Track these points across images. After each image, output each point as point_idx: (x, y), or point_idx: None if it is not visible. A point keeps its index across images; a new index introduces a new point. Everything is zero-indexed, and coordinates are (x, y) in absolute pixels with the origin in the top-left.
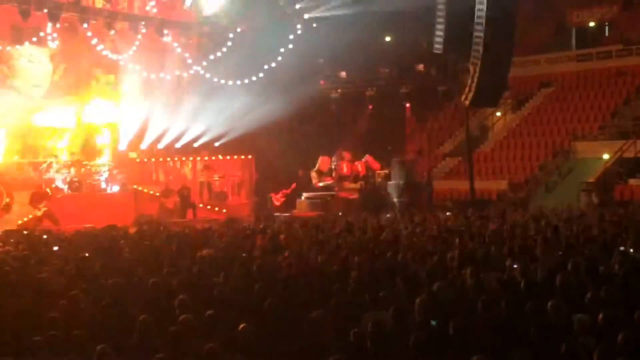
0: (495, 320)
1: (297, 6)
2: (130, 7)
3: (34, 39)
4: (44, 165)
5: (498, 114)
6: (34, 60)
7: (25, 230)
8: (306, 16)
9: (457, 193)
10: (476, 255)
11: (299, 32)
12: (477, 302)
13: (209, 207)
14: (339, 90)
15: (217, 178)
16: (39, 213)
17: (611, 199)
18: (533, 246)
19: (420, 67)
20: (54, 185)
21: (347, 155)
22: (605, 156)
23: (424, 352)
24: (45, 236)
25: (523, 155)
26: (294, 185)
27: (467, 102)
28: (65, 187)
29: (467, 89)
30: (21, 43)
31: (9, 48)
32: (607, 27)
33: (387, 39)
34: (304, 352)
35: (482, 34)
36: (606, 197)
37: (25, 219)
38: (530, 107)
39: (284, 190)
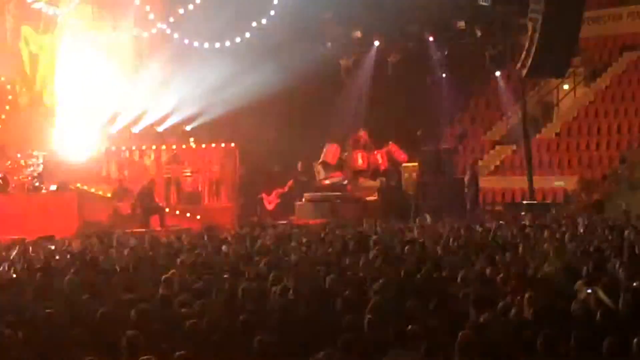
0: None
1: None
2: None
3: None
4: None
5: (565, 87)
6: None
7: None
8: None
9: (511, 193)
10: (536, 277)
11: None
12: (538, 339)
13: (178, 212)
14: (351, 56)
15: (188, 173)
16: None
17: None
18: (613, 266)
19: (462, 24)
20: None
21: (363, 138)
22: None
23: None
24: None
25: (599, 142)
26: (290, 183)
27: (523, 72)
28: None
29: (523, 54)
30: None
31: None
32: None
33: None
34: None
35: None
36: None
37: None
38: (609, 78)
39: (278, 190)
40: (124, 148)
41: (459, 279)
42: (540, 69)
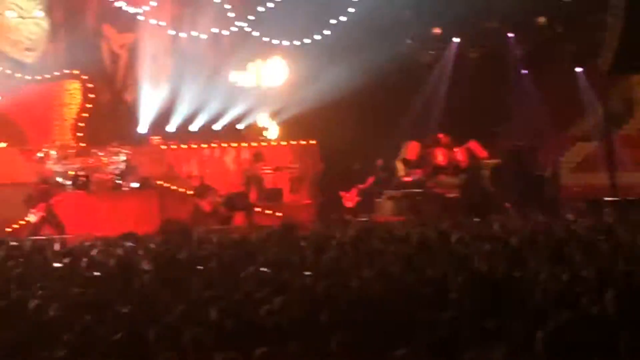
0: None
1: None
2: None
3: None
4: (40, 155)
5: None
6: (25, 14)
7: (16, 240)
8: None
9: (593, 190)
10: (620, 274)
11: None
12: (621, 340)
13: (259, 208)
14: (430, 52)
15: (269, 171)
16: (34, 218)
17: None
18: None
19: (541, 20)
20: (52, 181)
21: (444, 139)
22: None
23: None
24: (42, 249)
25: None
26: (371, 180)
27: (605, 68)
28: (68, 183)
29: (605, 50)
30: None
31: None
32: None
33: None
34: None
35: None
36: None
37: (17, 226)
38: None
39: (359, 186)
40: (204, 146)
41: (539, 277)
42: (622, 65)
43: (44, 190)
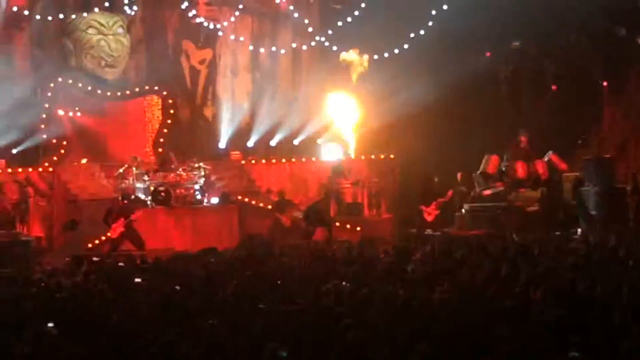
0: None
1: None
2: None
3: (106, 4)
4: (121, 171)
5: None
6: (106, 31)
7: (97, 256)
8: None
9: None
10: None
11: None
12: None
13: (338, 223)
14: (510, 66)
15: (348, 185)
16: (115, 234)
17: None
18: None
19: (623, 31)
20: (133, 197)
21: (523, 142)
22: None
23: None
24: (122, 264)
25: None
26: (450, 193)
27: None
28: (148, 199)
29: None
30: (89, 10)
31: (74, 16)
32: None
33: None
34: None
35: None
36: None
37: (97, 242)
38: None
39: (439, 200)
40: (284, 160)
41: (621, 290)
42: None
43: (124, 206)
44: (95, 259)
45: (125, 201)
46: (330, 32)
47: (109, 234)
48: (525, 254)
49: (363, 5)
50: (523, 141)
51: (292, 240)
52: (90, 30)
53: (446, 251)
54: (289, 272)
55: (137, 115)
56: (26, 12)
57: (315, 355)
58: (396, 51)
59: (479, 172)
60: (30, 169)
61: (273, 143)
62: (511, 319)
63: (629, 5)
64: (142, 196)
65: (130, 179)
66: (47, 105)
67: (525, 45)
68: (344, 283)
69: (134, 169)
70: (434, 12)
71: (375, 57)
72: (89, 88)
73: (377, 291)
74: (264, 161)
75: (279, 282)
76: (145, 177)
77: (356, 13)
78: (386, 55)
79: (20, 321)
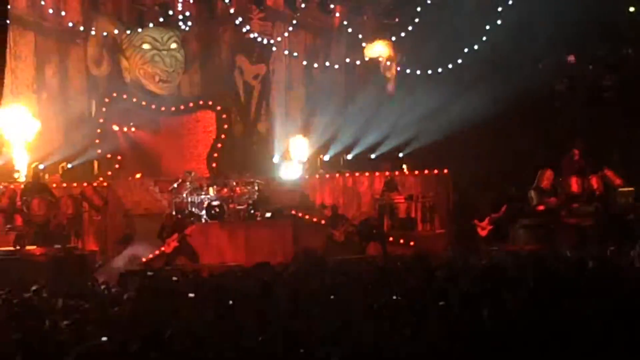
0: None
1: None
2: None
3: (161, 20)
4: (175, 186)
5: None
6: (160, 47)
7: (152, 270)
8: None
9: None
10: None
11: (510, 2)
12: None
13: (391, 238)
14: (565, 80)
15: (402, 200)
16: (169, 249)
17: None
18: None
19: None
20: (187, 212)
21: (576, 156)
22: None
23: None
24: (175, 278)
25: None
26: (504, 208)
27: None
28: (202, 214)
29: None
30: (143, 25)
31: (128, 32)
32: None
33: (632, 9)
34: None
35: None
36: None
37: (152, 256)
38: None
39: (493, 215)
40: (337, 175)
41: None
42: None
43: (178, 221)
44: (149, 273)
45: (179, 216)
46: None
47: (163, 249)
48: (580, 270)
49: (417, 20)
50: (576, 154)
51: (345, 255)
52: (144, 46)
53: (500, 267)
54: (342, 288)
55: (191, 130)
56: (81, 28)
57: None
58: (450, 66)
59: (533, 187)
60: (85, 184)
61: (326, 158)
62: (561, 337)
63: None
64: (196, 211)
65: (184, 193)
66: (101, 121)
67: (580, 59)
68: (396, 297)
69: (187, 183)
70: (487, 27)
71: (429, 72)
72: (144, 103)
73: (430, 307)
74: (317, 176)
75: (332, 297)
76: (199, 192)
77: (410, 28)
78: (440, 70)
79: (73, 337)
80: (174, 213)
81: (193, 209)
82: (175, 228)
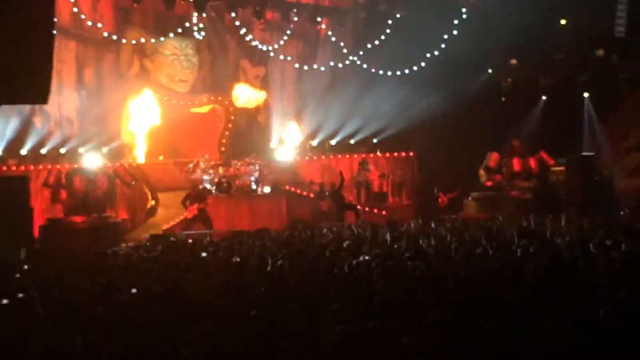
0: None
1: None
2: None
3: (179, 30)
4: (191, 166)
5: None
6: (179, 52)
7: (173, 236)
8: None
9: None
10: None
11: (465, 17)
12: None
13: (367, 208)
14: (509, 80)
15: (376, 177)
16: (190, 215)
17: None
18: None
19: (600, 52)
20: (200, 187)
21: (517, 150)
22: None
23: None
24: (191, 241)
25: None
26: (458, 190)
27: None
28: (213, 189)
29: None
30: (165, 35)
31: (153, 40)
32: None
33: (563, 22)
34: None
35: None
36: None
37: (172, 223)
38: None
39: (450, 195)
40: (323, 157)
41: (599, 260)
42: None
43: (199, 192)
44: (172, 239)
45: (201, 189)
46: (361, 52)
47: (185, 214)
48: (525, 234)
49: (388, 31)
50: (516, 146)
51: (329, 221)
52: (166, 52)
53: (458, 232)
54: (327, 247)
55: (203, 121)
56: (114, 37)
57: (352, 316)
58: (415, 68)
59: (482, 166)
60: (117, 164)
61: (314, 143)
62: (509, 286)
63: (607, 32)
64: (208, 186)
65: (198, 172)
66: (131, 113)
67: (521, 62)
68: (367, 257)
69: (201, 164)
70: (446, 37)
71: (398, 73)
72: (165, 99)
73: (399, 264)
74: (307, 158)
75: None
76: (211, 171)
77: (382, 37)
78: (407, 72)
79: (108, 289)
80: (196, 187)
81: (206, 185)
82: (197, 198)
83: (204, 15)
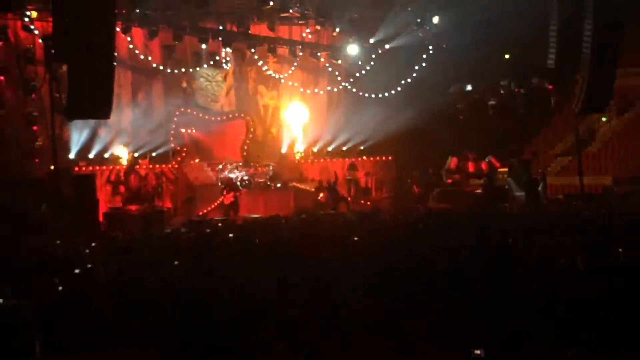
0: None
1: (432, 29)
2: (289, 35)
3: (211, 62)
4: (220, 166)
5: (604, 119)
6: (210, 79)
7: (206, 219)
8: (439, 39)
9: (568, 188)
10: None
11: (431, 52)
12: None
13: (355, 200)
14: (465, 101)
15: (362, 176)
16: (227, 201)
17: None
18: None
19: (535, 80)
20: (233, 181)
21: (471, 155)
22: None
23: None
24: (220, 224)
25: (626, 154)
26: (416, 190)
27: (577, 110)
28: (238, 184)
29: (576, 99)
30: (200, 66)
31: (191, 70)
32: None
33: (507, 56)
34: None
35: (589, 50)
36: None
37: (206, 210)
38: (634, 113)
39: (417, 190)
40: (322, 160)
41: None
42: (587, 108)
43: (234, 185)
44: (204, 221)
45: (235, 182)
46: (351, 80)
47: (222, 200)
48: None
49: (372, 63)
50: (470, 156)
51: (326, 210)
52: (201, 79)
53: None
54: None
55: (229, 131)
56: (161, 67)
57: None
58: (393, 92)
59: (444, 168)
60: (163, 165)
61: (315, 149)
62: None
63: (541, 63)
64: (234, 182)
65: (226, 172)
66: (174, 126)
67: (475, 87)
68: (356, 238)
69: (228, 165)
70: (417, 67)
71: (380, 95)
72: (200, 115)
73: (377, 243)
74: (309, 160)
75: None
76: (235, 170)
77: (367, 68)
78: (387, 94)
79: (156, 262)
80: (230, 181)
81: (232, 181)
82: (232, 189)
83: (230, 50)
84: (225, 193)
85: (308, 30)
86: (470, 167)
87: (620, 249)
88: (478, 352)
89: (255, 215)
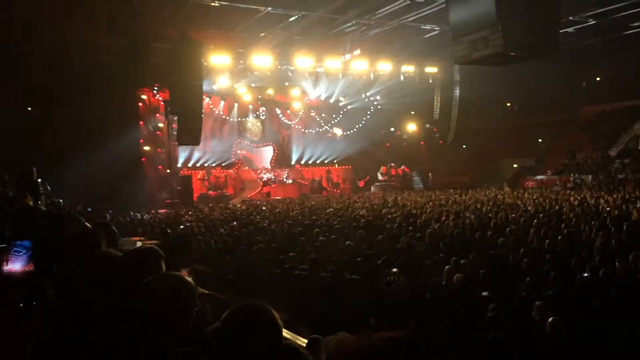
0: None
1: (372, 98)
2: (296, 99)
3: (254, 115)
4: (259, 171)
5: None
6: (253, 124)
7: (249, 200)
8: (376, 103)
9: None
10: None
11: (372, 109)
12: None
13: (330, 189)
14: (398, 132)
15: (335, 176)
16: (264, 191)
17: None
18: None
19: (428, 126)
20: (266, 180)
21: (394, 165)
22: None
23: None
24: (258, 202)
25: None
26: (367, 178)
27: (449, 140)
28: (271, 181)
29: (448, 135)
30: (246, 116)
31: (242, 119)
32: None
33: (412, 112)
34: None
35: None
36: None
37: (249, 196)
38: None
39: (364, 180)
40: (313, 168)
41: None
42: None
43: (267, 181)
44: (246, 201)
45: (268, 179)
46: (330, 124)
47: (259, 189)
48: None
49: (340, 114)
50: (392, 165)
51: (315, 195)
52: (248, 124)
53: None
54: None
55: (264, 152)
56: (226, 117)
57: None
58: (353, 130)
59: (379, 172)
60: (228, 171)
61: (309, 162)
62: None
63: (430, 115)
64: (267, 181)
65: (262, 174)
66: (234, 149)
67: (395, 129)
68: (331, 209)
69: (264, 170)
70: (364, 118)
71: (347, 133)
72: (247, 143)
73: (344, 217)
74: (306, 168)
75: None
76: (267, 173)
77: (339, 118)
78: (349, 132)
79: (223, 220)
80: (266, 180)
81: (265, 180)
82: (266, 184)
83: (264, 109)
84: (262, 185)
85: (307, 99)
86: (392, 171)
87: None
88: (485, 293)
89: (278, 198)
